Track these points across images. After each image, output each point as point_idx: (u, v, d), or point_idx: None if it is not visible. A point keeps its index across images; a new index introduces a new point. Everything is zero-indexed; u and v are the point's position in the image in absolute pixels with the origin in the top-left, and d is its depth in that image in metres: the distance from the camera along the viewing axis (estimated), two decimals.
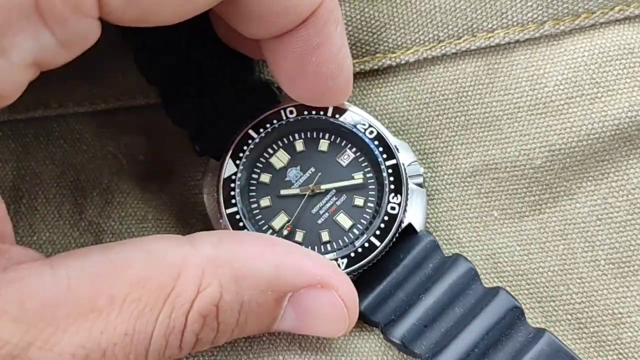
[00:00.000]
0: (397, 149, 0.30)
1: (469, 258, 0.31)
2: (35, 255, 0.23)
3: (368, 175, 0.30)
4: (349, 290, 0.26)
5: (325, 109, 0.30)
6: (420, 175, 0.30)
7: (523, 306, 0.30)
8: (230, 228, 0.28)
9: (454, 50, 0.31)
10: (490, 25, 0.31)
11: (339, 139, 0.31)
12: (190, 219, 0.31)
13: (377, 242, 0.29)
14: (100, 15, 0.21)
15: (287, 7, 0.24)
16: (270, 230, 0.29)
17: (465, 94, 0.31)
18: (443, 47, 0.31)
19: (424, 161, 0.32)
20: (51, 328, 0.21)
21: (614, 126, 0.30)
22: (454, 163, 0.32)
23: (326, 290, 0.25)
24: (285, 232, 0.29)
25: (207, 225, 0.30)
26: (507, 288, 0.30)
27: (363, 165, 0.30)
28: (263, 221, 0.30)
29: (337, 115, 0.30)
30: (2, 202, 0.23)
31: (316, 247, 0.29)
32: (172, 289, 0.22)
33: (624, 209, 0.30)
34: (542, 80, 0.31)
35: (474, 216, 0.31)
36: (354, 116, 0.30)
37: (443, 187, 0.32)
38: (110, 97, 0.31)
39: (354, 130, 0.30)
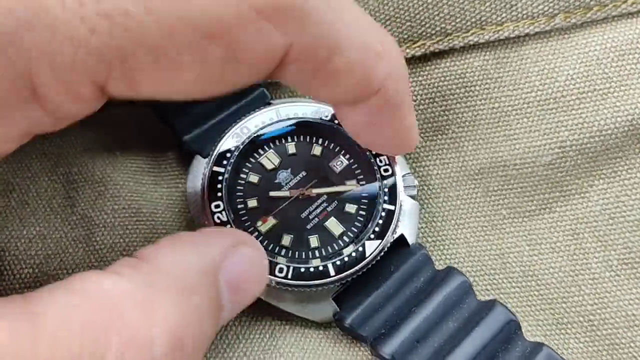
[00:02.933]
0: (393, 160, 0.29)
1: (476, 258, 0.30)
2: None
3: (361, 182, 0.30)
4: (256, 241, 0.25)
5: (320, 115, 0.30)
6: (414, 187, 0.29)
7: (533, 307, 0.29)
8: (214, 226, 0.27)
9: (461, 44, 0.31)
10: (499, 18, 0.30)
11: (332, 144, 0.30)
12: (186, 213, 0.30)
13: (367, 252, 0.28)
14: (102, 97, 0.20)
15: (360, 83, 0.23)
16: (257, 233, 0.28)
17: (473, 88, 0.31)
18: (451, 41, 0.31)
19: (430, 158, 0.31)
20: None
21: (626, 122, 0.30)
22: (461, 160, 0.31)
23: (243, 249, 0.23)
24: (259, 224, 0.28)
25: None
26: (517, 289, 0.30)
27: (356, 172, 0.30)
28: (249, 222, 0.29)
29: (334, 121, 0.30)
30: None
31: (304, 253, 0.28)
32: (111, 327, 0.20)
33: (637, 208, 0.30)
34: (553, 75, 0.30)
35: (482, 215, 0.31)
36: None
37: (450, 185, 0.31)
38: None
39: (349, 137, 0.29)
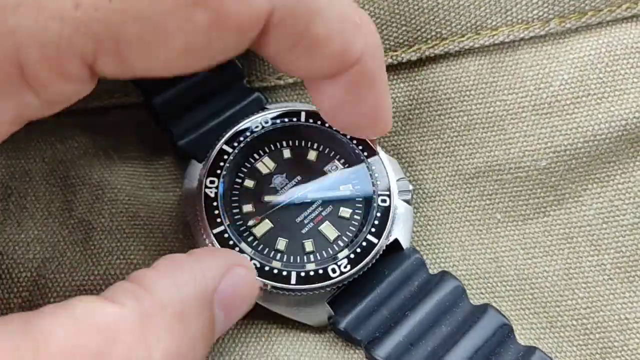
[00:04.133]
0: (387, 165, 0.29)
1: (471, 261, 0.30)
2: None
3: (356, 187, 0.30)
4: (248, 261, 0.26)
5: (316, 119, 0.30)
6: (408, 191, 0.29)
7: (527, 311, 0.29)
8: (210, 231, 0.27)
9: (457, 48, 0.31)
10: (494, 23, 0.30)
11: (327, 149, 0.30)
12: (182, 217, 0.30)
13: (361, 256, 0.28)
14: (92, 77, 0.20)
15: (340, 52, 0.23)
16: (252, 237, 0.28)
17: (468, 93, 0.31)
18: (446, 45, 0.31)
19: (425, 162, 0.31)
20: None
21: (620, 127, 0.30)
22: (456, 164, 0.31)
23: (237, 270, 0.24)
24: (251, 223, 0.29)
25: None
26: (511, 292, 0.30)
27: (351, 177, 0.30)
28: (244, 227, 0.29)
29: (327, 125, 0.29)
30: None
31: (299, 257, 0.28)
32: (110, 356, 0.20)
33: (630, 212, 0.30)
34: (548, 80, 0.30)
35: (477, 219, 0.31)
36: None
37: (445, 189, 0.31)
38: (104, 94, 0.31)
39: (344, 141, 0.30)
